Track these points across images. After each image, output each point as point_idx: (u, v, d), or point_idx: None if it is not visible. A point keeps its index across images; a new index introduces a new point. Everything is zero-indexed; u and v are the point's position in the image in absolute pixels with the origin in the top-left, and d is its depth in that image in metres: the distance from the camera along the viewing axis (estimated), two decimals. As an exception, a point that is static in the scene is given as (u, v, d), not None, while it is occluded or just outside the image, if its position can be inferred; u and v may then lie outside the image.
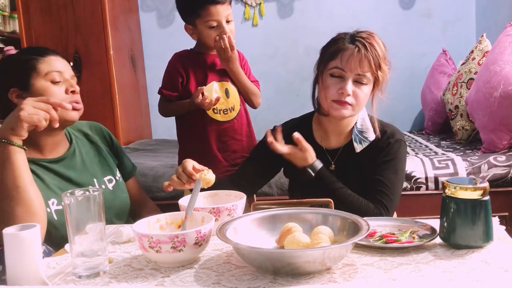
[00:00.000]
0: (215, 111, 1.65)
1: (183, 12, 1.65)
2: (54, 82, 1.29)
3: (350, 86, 1.29)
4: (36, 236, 0.88)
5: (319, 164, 1.33)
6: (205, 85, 1.63)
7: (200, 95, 1.56)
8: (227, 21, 1.60)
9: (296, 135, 1.31)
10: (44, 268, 0.95)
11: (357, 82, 1.30)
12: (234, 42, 1.61)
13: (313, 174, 1.33)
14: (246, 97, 1.72)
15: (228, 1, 1.59)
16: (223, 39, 1.57)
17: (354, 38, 1.30)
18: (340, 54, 1.29)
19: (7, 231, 0.87)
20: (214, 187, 1.23)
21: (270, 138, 1.32)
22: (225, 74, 1.67)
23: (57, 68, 1.30)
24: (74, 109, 1.31)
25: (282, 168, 1.50)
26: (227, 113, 1.67)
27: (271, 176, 1.54)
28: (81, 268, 0.91)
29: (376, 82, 1.32)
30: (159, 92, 1.73)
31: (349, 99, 1.30)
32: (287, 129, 1.41)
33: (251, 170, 1.47)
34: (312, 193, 1.25)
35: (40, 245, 0.90)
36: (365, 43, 1.28)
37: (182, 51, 1.73)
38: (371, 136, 1.36)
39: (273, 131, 1.36)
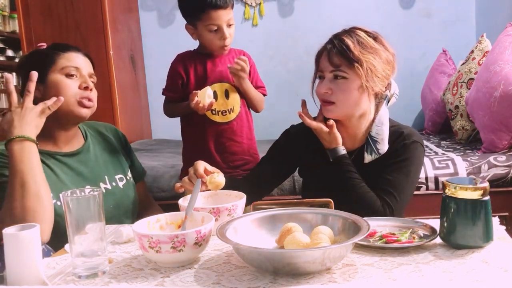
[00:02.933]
0: (214, 112, 1.65)
1: (184, 13, 1.64)
2: (68, 76, 1.31)
3: (324, 84, 1.31)
4: (36, 236, 0.87)
5: (341, 151, 1.34)
6: (205, 87, 1.63)
7: (195, 99, 1.56)
8: (228, 25, 1.59)
9: (331, 122, 1.33)
10: (44, 268, 0.95)
11: (335, 78, 1.30)
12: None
13: (331, 159, 1.34)
14: (250, 104, 1.72)
15: (230, 5, 1.58)
16: (238, 63, 1.58)
17: (331, 37, 1.32)
18: (320, 57, 1.33)
19: (7, 231, 0.87)
20: (228, 186, 1.23)
21: (300, 111, 1.36)
22: (225, 76, 1.66)
23: (75, 63, 1.33)
24: (84, 106, 1.33)
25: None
26: (226, 114, 1.67)
27: (286, 176, 1.54)
28: (81, 268, 0.91)
29: (359, 74, 1.26)
30: (163, 93, 1.73)
31: (331, 98, 1.30)
32: (298, 131, 1.42)
33: (267, 170, 1.47)
34: (325, 191, 1.25)
35: (40, 245, 0.90)
36: (333, 39, 1.30)
37: (184, 52, 1.73)
38: (383, 149, 1.32)
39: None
